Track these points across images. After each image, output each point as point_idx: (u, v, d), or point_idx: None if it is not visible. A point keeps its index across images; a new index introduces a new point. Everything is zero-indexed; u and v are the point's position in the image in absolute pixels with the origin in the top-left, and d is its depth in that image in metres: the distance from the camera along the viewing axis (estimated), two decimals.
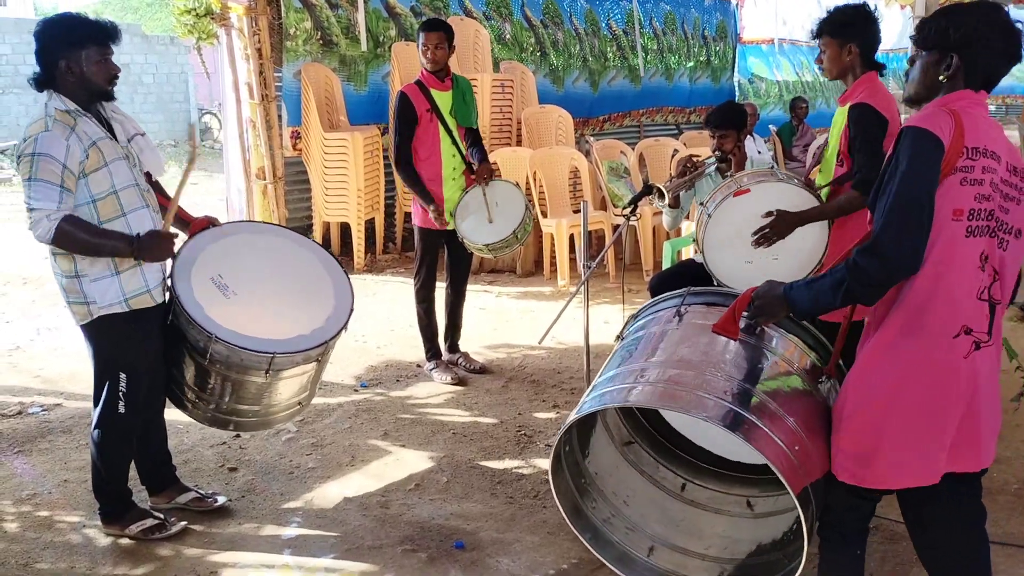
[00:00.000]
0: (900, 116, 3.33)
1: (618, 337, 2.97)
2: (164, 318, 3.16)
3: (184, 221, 3.27)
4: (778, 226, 3.20)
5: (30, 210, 2.81)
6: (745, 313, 2.38)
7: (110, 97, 3.01)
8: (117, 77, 2.99)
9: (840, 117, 3.34)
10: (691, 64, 12.24)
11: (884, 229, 2.01)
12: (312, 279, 3.38)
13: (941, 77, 2.11)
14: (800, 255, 3.22)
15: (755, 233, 3.21)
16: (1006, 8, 2.17)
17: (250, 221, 3.53)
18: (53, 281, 3.08)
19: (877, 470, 2.15)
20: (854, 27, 3.31)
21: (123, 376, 3.04)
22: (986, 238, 2.05)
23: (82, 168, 2.87)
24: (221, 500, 3.42)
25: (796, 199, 3.22)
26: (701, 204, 3.57)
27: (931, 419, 2.10)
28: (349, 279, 3.44)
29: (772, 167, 3.71)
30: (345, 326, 3.27)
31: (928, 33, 2.14)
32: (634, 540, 2.85)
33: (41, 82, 2.92)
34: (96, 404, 3.11)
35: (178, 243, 3.14)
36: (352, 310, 3.34)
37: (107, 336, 3.02)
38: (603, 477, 2.94)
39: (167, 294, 3.11)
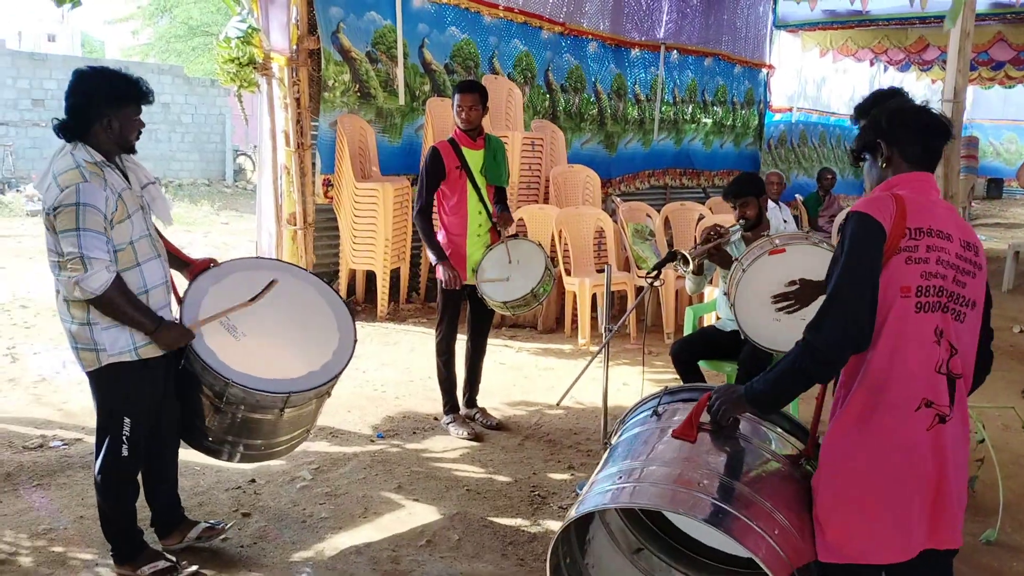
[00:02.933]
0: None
1: (605, 443, 2.93)
2: (174, 363, 3.22)
3: (183, 262, 3.35)
4: (802, 296, 3.25)
5: (85, 259, 2.82)
6: (704, 419, 2.44)
7: (134, 151, 3.09)
8: (141, 132, 3.08)
9: None
10: (716, 128, 12.39)
11: (827, 307, 2.15)
12: (313, 311, 3.48)
13: (882, 164, 2.29)
14: None
15: (776, 298, 3.28)
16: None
17: (246, 258, 3.59)
18: None
19: (851, 545, 2.16)
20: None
21: (127, 421, 3.08)
22: (939, 313, 2.13)
23: (111, 220, 2.92)
24: (229, 525, 3.52)
25: (828, 264, 3.27)
26: (736, 259, 3.66)
27: (897, 493, 2.12)
28: (348, 306, 3.57)
29: (808, 232, 3.81)
30: (351, 355, 3.40)
31: (860, 142, 2.35)
32: None
33: (71, 132, 2.94)
34: (98, 448, 3.14)
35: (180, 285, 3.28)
36: (356, 340, 3.47)
37: (114, 383, 3.05)
38: None
39: None
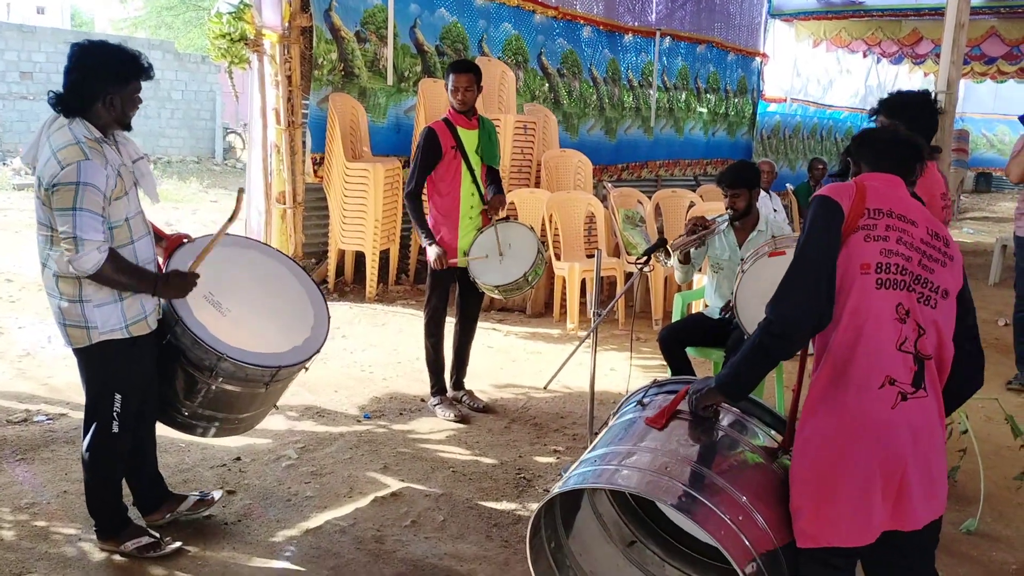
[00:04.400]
0: (944, 191, 3.44)
1: (597, 432, 2.98)
2: (158, 339, 3.20)
3: (157, 237, 3.32)
4: None
5: (78, 240, 2.79)
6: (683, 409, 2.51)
7: (130, 127, 3.05)
8: (137, 108, 3.04)
9: None
10: (708, 117, 12.39)
11: (784, 283, 2.22)
12: (287, 288, 3.55)
13: (852, 178, 2.42)
14: None
15: None
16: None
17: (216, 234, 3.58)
18: None
19: (822, 529, 2.17)
20: (906, 111, 3.41)
21: (118, 397, 3.07)
22: (903, 292, 2.17)
23: (110, 197, 2.89)
24: (218, 494, 3.55)
25: None
26: (741, 260, 3.69)
27: (861, 471, 2.13)
28: (316, 283, 3.65)
29: None
30: (328, 330, 3.51)
31: (842, 158, 2.60)
32: None
33: (71, 108, 2.88)
34: (87, 425, 3.12)
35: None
36: (330, 315, 3.57)
37: (105, 360, 3.03)
38: None
39: (163, 315, 3.17)
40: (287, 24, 6.90)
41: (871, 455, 2.12)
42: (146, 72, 2.98)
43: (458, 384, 5.02)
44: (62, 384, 4.93)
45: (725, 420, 2.56)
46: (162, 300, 3.16)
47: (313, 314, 3.51)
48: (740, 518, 2.19)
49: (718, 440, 2.50)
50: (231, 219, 3.21)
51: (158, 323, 3.16)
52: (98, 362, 3.03)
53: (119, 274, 2.92)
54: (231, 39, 6.88)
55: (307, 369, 3.48)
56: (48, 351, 5.53)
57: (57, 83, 2.92)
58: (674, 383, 2.82)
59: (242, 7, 6.92)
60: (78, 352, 3.04)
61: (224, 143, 19.77)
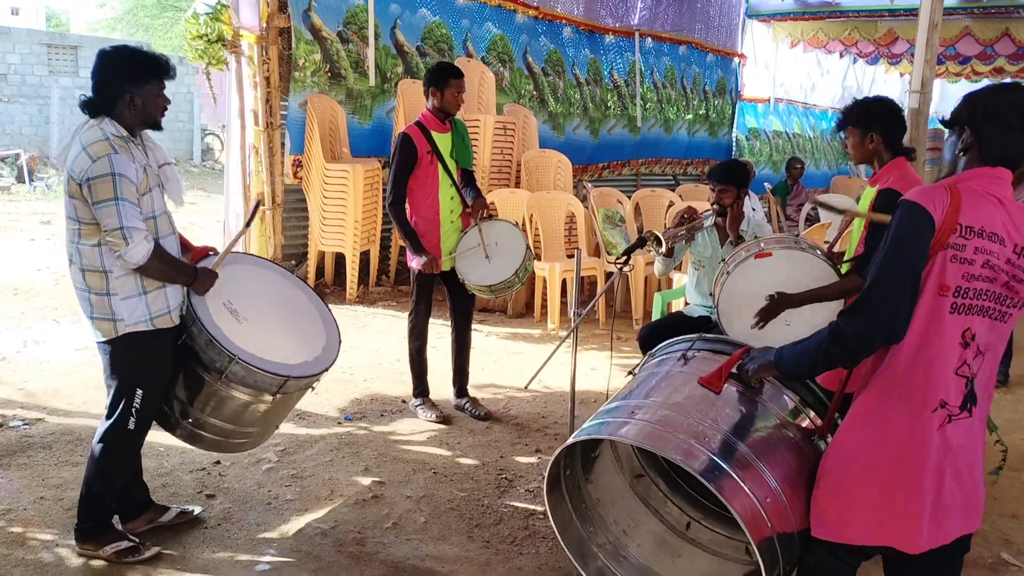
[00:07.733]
0: None
1: (630, 372, 3.03)
2: (175, 339, 3.23)
3: (184, 247, 3.38)
4: (773, 308, 3.15)
5: (125, 231, 2.90)
6: (734, 371, 2.50)
7: (159, 127, 3.13)
8: (167, 108, 3.13)
9: (868, 197, 3.36)
10: (690, 117, 12.45)
11: (866, 296, 2.08)
12: (301, 308, 3.61)
13: (958, 151, 2.18)
14: (811, 325, 3.20)
15: (756, 315, 3.20)
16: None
17: (244, 253, 3.69)
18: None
19: (847, 526, 2.19)
20: (875, 117, 3.38)
21: (139, 392, 3.13)
22: (975, 317, 2.08)
23: (140, 191, 3.00)
24: (197, 510, 3.55)
25: (815, 270, 3.20)
26: (723, 260, 3.62)
27: (901, 484, 2.13)
28: (331, 310, 3.69)
29: (797, 235, 3.74)
30: (338, 353, 3.53)
31: (952, 115, 2.22)
32: (624, 568, 2.84)
33: (96, 109, 3.01)
34: (108, 418, 3.16)
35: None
36: (341, 340, 3.59)
37: (130, 352, 3.10)
38: (605, 505, 2.94)
39: (181, 316, 3.22)
40: (265, 25, 6.88)
41: (910, 471, 2.12)
42: (165, 72, 3.08)
43: (462, 392, 4.96)
44: (38, 389, 4.88)
45: (767, 391, 2.58)
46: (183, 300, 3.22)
47: (325, 336, 3.56)
48: (768, 500, 2.22)
49: (759, 412, 2.54)
50: (247, 225, 3.64)
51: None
52: (124, 354, 3.10)
53: (164, 263, 3.05)
54: (208, 40, 6.85)
55: (314, 388, 3.51)
56: (24, 356, 5.47)
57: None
58: (720, 342, 2.86)
59: (219, 8, 6.89)
60: (104, 345, 3.11)
61: (202, 145, 19.66)
